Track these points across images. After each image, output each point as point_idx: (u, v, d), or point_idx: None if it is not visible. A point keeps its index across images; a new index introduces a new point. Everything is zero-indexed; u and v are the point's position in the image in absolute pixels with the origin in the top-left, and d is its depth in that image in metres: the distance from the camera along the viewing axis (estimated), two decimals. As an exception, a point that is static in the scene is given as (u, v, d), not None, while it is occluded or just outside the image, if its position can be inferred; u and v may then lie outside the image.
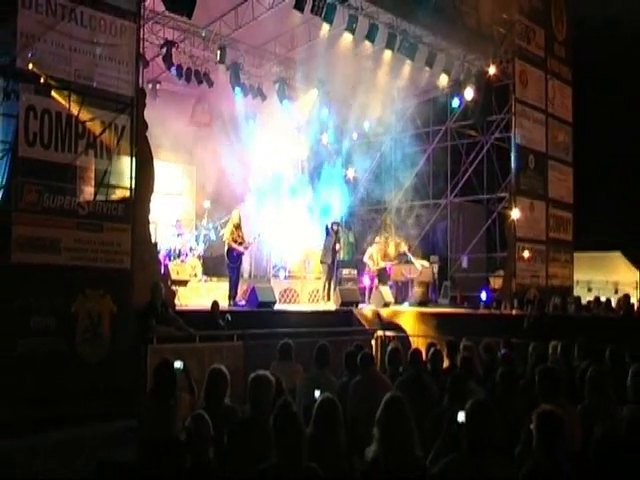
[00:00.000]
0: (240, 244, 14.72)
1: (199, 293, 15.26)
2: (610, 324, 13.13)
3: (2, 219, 8.72)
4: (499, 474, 3.99)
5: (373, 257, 17.80)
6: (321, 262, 16.99)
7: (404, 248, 18.41)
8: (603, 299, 18.14)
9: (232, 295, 14.50)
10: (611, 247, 27.59)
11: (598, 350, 7.63)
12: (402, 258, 18.28)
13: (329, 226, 17.05)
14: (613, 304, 17.22)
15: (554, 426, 4.04)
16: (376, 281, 17.59)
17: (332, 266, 16.80)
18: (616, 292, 22.86)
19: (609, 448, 3.77)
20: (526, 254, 18.93)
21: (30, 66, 9.02)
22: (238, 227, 14.81)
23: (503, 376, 5.99)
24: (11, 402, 8.23)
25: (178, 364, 6.32)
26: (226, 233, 14.86)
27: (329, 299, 16.30)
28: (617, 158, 26.98)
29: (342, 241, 17.94)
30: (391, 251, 18.49)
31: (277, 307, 14.30)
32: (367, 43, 15.90)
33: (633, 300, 17.64)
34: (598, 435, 3.87)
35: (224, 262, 15.06)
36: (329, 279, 16.72)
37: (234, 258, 14.67)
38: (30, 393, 8.45)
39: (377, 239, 18.54)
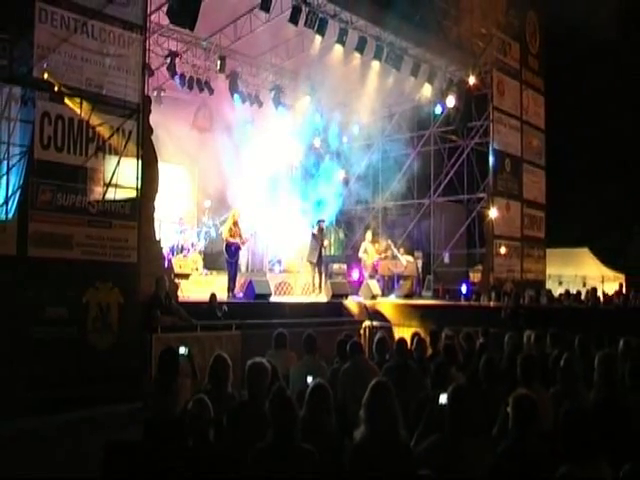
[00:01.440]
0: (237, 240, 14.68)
1: (200, 286, 15.22)
2: (579, 315, 13.18)
3: (19, 217, 8.71)
4: (478, 453, 4.03)
5: (367, 251, 17.86)
6: (309, 262, 16.96)
7: (391, 244, 18.45)
8: (573, 292, 18.24)
9: (231, 288, 14.48)
10: (579, 244, 27.74)
11: (568, 339, 7.65)
12: (389, 254, 18.32)
13: (313, 227, 17.03)
14: (582, 297, 17.29)
15: (528, 409, 4.06)
16: (366, 275, 17.62)
17: (319, 262, 16.79)
18: (584, 285, 22.93)
19: (575, 424, 3.80)
20: (503, 250, 19.03)
21: (45, 75, 9.01)
22: (236, 225, 14.78)
23: (487, 363, 5.99)
24: (27, 385, 8.25)
25: (183, 350, 6.28)
26: (224, 230, 14.83)
27: (320, 292, 16.31)
28: (586, 163, 27.09)
29: (329, 237, 17.89)
30: (379, 247, 18.53)
31: (272, 299, 14.28)
32: (356, 54, 15.89)
33: (599, 293, 17.76)
34: (564, 414, 3.89)
35: (223, 257, 15.04)
36: (319, 274, 16.74)
37: (232, 253, 14.63)
38: (45, 377, 8.44)
39: (367, 235, 18.56)
